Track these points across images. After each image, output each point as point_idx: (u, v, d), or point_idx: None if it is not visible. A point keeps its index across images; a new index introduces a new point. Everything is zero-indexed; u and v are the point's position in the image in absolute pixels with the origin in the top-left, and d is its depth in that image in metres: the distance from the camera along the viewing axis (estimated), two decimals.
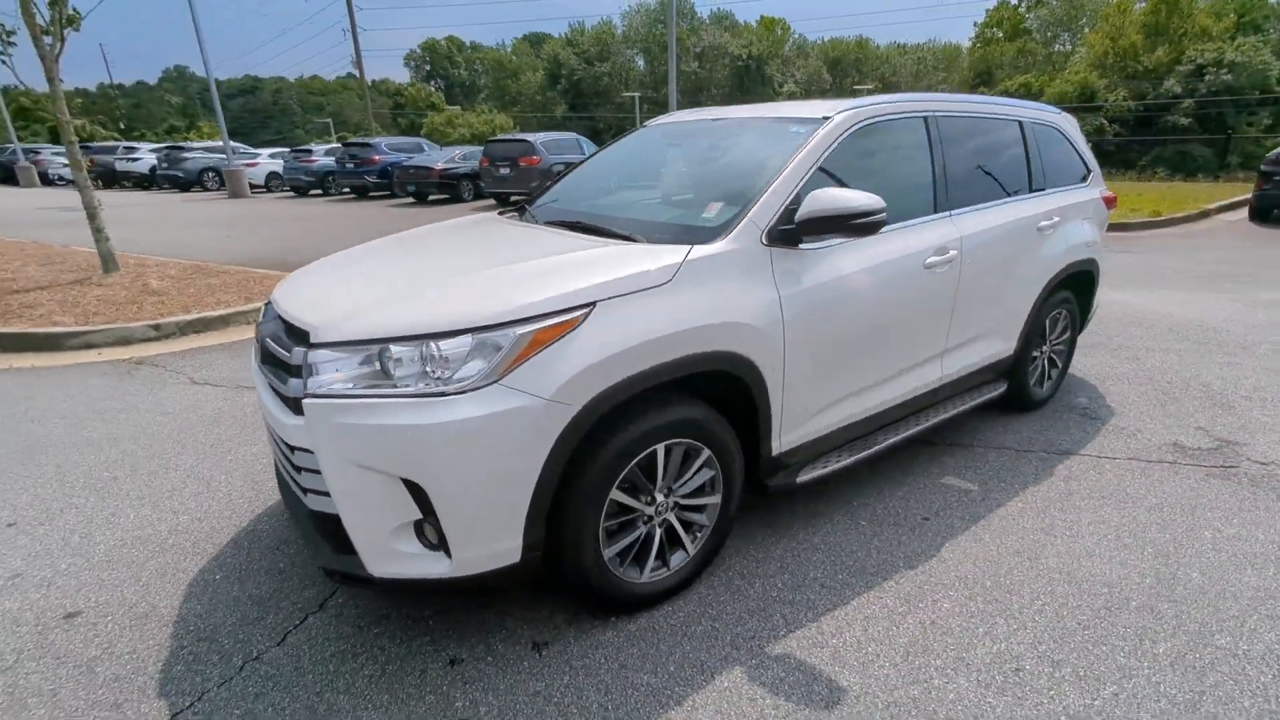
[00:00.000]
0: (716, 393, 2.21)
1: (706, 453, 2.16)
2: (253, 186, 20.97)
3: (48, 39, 5.99)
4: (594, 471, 1.89)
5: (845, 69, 48.51)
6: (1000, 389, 3.34)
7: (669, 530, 2.21)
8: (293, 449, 1.87)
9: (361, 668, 1.97)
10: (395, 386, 1.74)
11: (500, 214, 3.10)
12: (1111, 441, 3.34)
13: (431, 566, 1.81)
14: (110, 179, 25.09)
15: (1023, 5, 40.89)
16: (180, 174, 22.75)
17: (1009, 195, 3.15)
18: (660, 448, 2.03)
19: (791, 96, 45.08)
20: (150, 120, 73.60)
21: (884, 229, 2.53)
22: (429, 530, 1.81)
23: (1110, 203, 3.82)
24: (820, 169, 2.39)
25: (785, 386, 2.28)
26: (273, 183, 21.81)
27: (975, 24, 46.60)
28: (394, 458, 1.72)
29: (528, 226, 2.72)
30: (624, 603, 2.13)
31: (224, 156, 20.34)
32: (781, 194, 2.28)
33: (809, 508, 2.78)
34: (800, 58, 49.74)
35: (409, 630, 2.12)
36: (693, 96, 46.63)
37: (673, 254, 2.06)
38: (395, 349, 1.76)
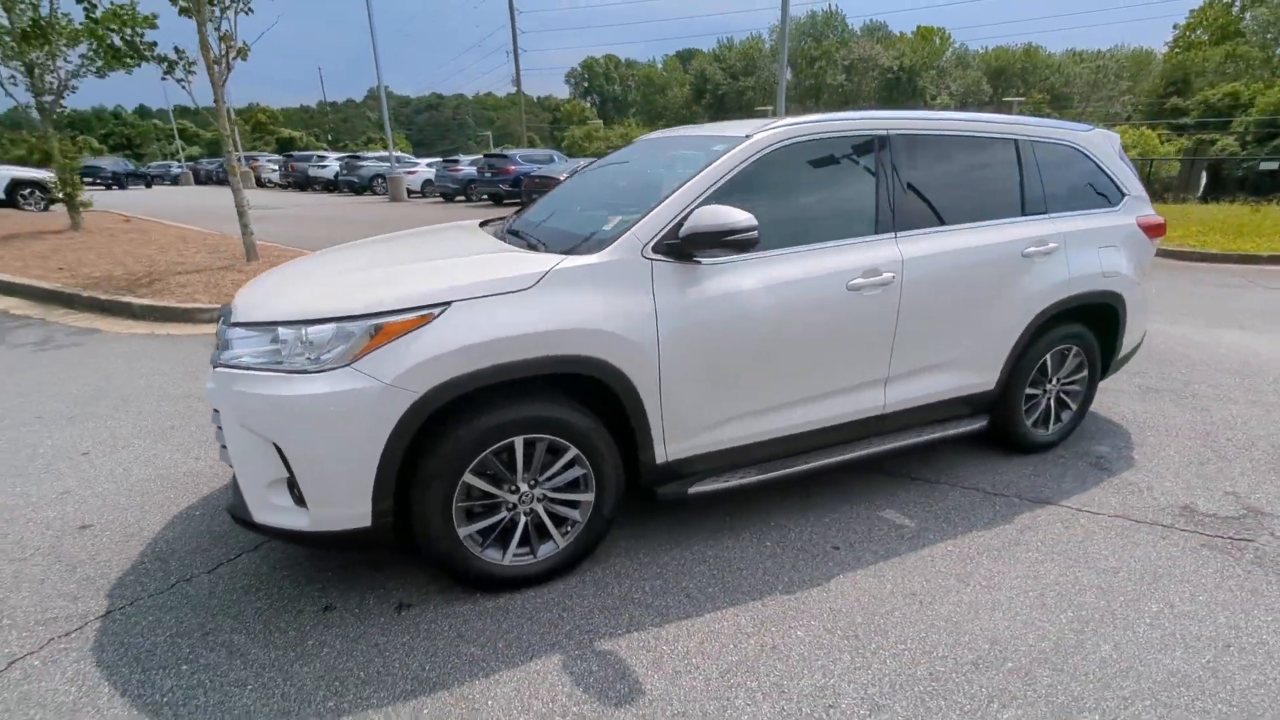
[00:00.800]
0: (593, 396, 2.32)
1: (573, 451, 2.28)
2: (410, 192, 23.46)
3: (217, 67, 7.25)
4: (442, 453, 2.09)
5: (1009, 79, 44.57)
6: (978, 425, 3.09)
7: (539, 521, 2.35)
8: (214, 409, 2.26)
9: (255, 600, 2.31)
10: (282, 364, 2.06)
11: (482, 224, 3.34)
12: (1106, 496, 2.96)
13: (296, 519, 2.10)
14: (305, 183, 29.20)
15: (1237, 4, 35.17)
16: (355, 179, 26.00)
17: (988, 218, 2.92)
18: (518, 440, 2.19)
19: (945, 109, 42.20)
20: (353, 133, 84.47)
21: (802, 248, 2.54)
22: (296, 488, 2.11)
23: (1154, 230, 3.37)
24: (726, 186, 2.41)
25: (665, 395, 2.34)
26: (427, 189, 24.22)
27: (1175, 26, 40.79)
28: (264, 422, 2.03)
29: (476, 233, 2.98)
30: (479, 580, 2.30)
31: (390, 165, 23.08)
32: (673, 209, 2.34)
33: (722, 522, 2.78)
34: (958, 68, 46.44)
35: (310, 578, 2.44)
36: (839, 110, 45.22)
37: (543, 262, 2.21)
38: (281, 331, 2.08)
